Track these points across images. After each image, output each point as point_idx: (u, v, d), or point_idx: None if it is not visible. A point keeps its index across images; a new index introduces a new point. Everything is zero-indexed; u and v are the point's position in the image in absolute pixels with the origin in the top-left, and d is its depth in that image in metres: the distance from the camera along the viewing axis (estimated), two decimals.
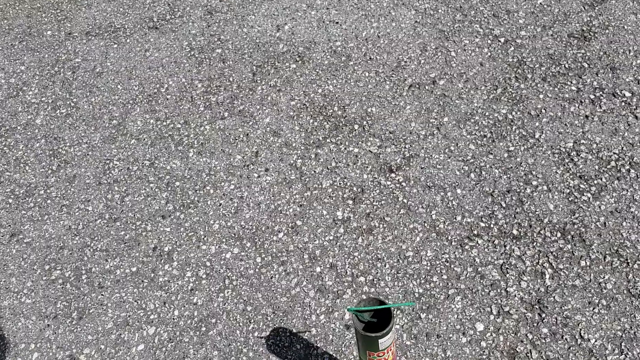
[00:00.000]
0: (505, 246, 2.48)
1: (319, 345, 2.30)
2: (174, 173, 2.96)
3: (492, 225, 2.55)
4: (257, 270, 2.56)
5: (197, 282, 2.56)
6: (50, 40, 3.79)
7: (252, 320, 2.40)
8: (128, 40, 3.70)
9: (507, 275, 2.39)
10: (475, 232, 2.54)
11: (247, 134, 3.06)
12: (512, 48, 3.22)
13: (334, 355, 2.27)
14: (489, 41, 3.27)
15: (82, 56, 3.65)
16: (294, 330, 2.36)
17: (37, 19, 3.97)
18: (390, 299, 2.38)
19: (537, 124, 2.88)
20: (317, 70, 3.31)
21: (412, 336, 2.27)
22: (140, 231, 2.77)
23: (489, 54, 3.21)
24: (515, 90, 3.03)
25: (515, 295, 2.33)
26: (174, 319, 2.46)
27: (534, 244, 2.47)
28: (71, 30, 3.84)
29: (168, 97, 3.32)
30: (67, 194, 2.96)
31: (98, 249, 2.73)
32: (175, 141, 3.09)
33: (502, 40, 3.26)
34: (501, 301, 2.32)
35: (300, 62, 3.37)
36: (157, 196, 2.88)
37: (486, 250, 2.48)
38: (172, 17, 3.81)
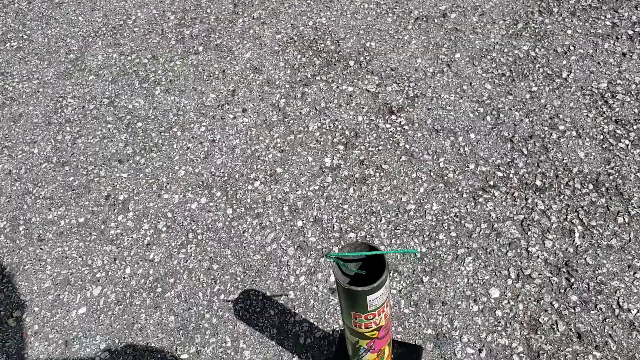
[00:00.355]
0: (526, 199, 2.05)
1: (297, 311, 1.88)
2: (136, 113, 2.52)
3: (511, 175, 2.12)
4: (227, 223, 2.13)
5: (155, 236, 2.13)
6: None
7: (219, 281, 1.98)
8: None
9: (529, 232, 1.96)
10: (491, 182, 2.11)
11: (224, 71, 2.62)
12: None
13: (314, 323, 1.84)
14: None
15: None
16: (268, 294, 1.93)
17: None
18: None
19: (564, 62, 2.44)
20: (309, 1, 2.86)
21: (412, 303, 1.84)
22: (92, 177, 2.33)
23: None
24: (539, 25, 2.58)
25: (538, 257, 1.91)
26: (124, 277, 2.03)
27: (561, 197, 2.04)
28: None
29: (135, 29, 2.87)
30: (10, 134, 2.52)
31: (41, 197, 2.30)
32: (140, 78, 2.65)
33: None
34: (521, 263, 1.89)
35: None
36: (114, 138, 2.44)
37: (504, 203, 2.04)
38: None
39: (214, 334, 1.86)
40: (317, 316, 1.86)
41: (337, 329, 1.83)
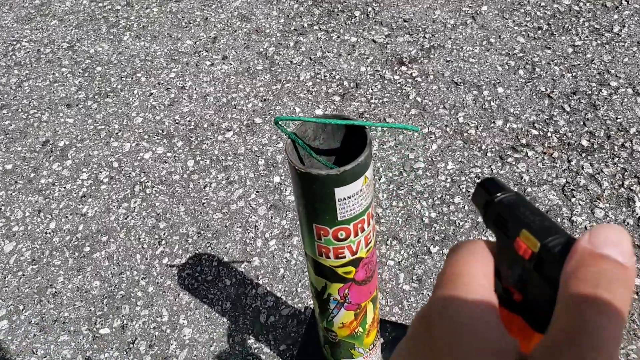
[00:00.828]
0: (569, 161, 1.58)
1: (261, 281, 1.41)
2: (97, 57, 2.11)
3: (549, 134, 1.65)
4: (185, 176, 1.68)
5: (93, 188, 1.68)
6: None
7: (164, 242, 1.52)
8: None
9: (573, 200, 1.48)
10: (524, 141, 1.64)
11: (206, 18, 2.22)
12: None
13: (282, 298, 1.37)
14: None
15: None
16: (226, 259, 1.46)
17: None
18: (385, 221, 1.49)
19: (615, 16, 2.00)
20: None
21: (414, 278, 1.36)
22: (32, 121, 1.91)
23: None
24: None
25: (585, 228, 1.42)
26: (47, 233, 1.58)
27: (616, 159, 1.57)
28: None
29: None
30: None
31: None
32: (109, 23, 2.26)
33: None
34: None
35: None
36: (67, 82, 2.03)
37: (540, 165, 1.58)
38: None
39: (147, 305, 1.39)
40: (286, 289, 1.38)
41: (311, 306, 1.34)
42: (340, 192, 0.76)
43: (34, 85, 2.04)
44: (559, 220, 1.45)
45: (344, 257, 0.86)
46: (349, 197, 0.77)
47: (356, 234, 0.83)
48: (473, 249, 0.30)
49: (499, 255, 0.31)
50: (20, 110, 1.96)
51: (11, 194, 1.70)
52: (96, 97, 1.96)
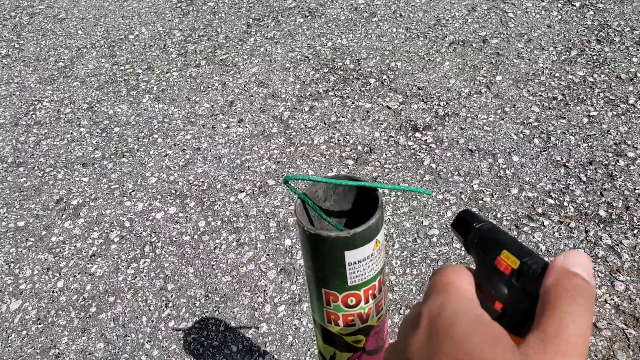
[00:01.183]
0: (587, 231, 1.54)
1: (268, 349, 1.36)
2: (116, 118, 2.15)
3: (566, 203, 1.63)
4: (196, 237, 1.66)
5: (103, 247, 1.67)
6: None
7: (171, 304, 1.49)
8: None
9: (592, 271, 1.44)
10: (540, 210, 1.62)
11: (225, 83, 2.26)
12: (591, 12, 2.41)
13: None
14: (560, 5, 2.48)
15: (48, 4, 2.98)
16: (233, 324, 1.43)
17: None
18: (399, 291, 1.45)
19: (630, 88, 2.01)
20: (330, 24, 2.54)
21: None
22: (47, 179, 1.92)
23: (560, 16, 2.41)
24: (597, 53, 2.18)
25: (605, 302, 1.38)
26: (54, 292, 1.56)
27: (636, 231, 1.53)
28: None
29: (136, 43, 2.58)
30: None
31: None
32: (129, 86, 2.31)
33: (577, 4, 2.47)
34: None
35: (309, 17, 2.62)
36: (84, 142, 2.06)
37: (557, 235, 1.54)
38: None
39: None
40: (294, 358, 1.34)
41: None
42: (350, 256, 0.74)
43: (51, 144, 2.07)
44: None
45: (354, 324, 0.83)
46: (360, 261, 0.75)
47: (367, 301, 0.80)
48: (456, 267, 0.36)
49: (479, 273, 0.37)
50: (36, 168, 1.98)
51: (21, 251, 1.69)
52: (112, 156, 1.98)
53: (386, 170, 1.80)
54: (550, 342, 0.28)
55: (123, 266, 1.60)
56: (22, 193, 1.88)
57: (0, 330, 1.48)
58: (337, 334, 0.85)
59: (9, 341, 1.45)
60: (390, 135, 1.92)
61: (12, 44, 2.67)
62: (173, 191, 1.82)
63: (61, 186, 1.89)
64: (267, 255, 1.58)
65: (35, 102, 2.28)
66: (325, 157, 1.87)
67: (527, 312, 0.33)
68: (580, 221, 1.58)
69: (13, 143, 2.09)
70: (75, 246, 1.68)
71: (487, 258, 0.38)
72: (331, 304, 0.81)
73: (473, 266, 0.38)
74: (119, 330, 1.44)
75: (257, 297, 1.48)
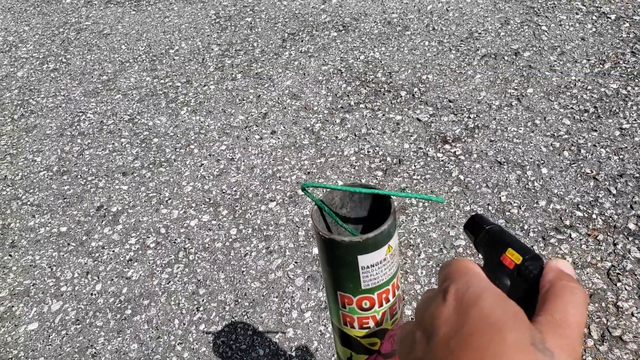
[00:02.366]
0: (615, 244, 1.54)
1: (294, 354, 1.40)
2: (155, 129, 2.24)
3: (594, 216, 1.62)
4: (228, 244, 1.72)
5: (140, 252, 1.74)
6: (66, 7, 3.31)
7: (202, 308, 1.54)
8: (149, 8, 3.15)
9: (619, 284, 1.44)
10: (568, 222, 1.62)
11: (259, 96, 2.33)
12: (627, 24, 2.39)
13: None
14: (594, 17, 2.47)
15: (94, 20, 3.12)
16: (261, 329, 1.47)
17: None
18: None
19: None
20: (363, 38, 2.59)
21: None
22: (89, 187, 2.02)
23: (594, 29, 2.40)
24: (632, 65, 2.17)
25: (632, 315, 1.37)
26: (92, 294, 1.63)
27: None
28: None
29: (176, 57, 2.67)
30: (19, 143, 2.28)
31: (29, 203, 1.99)
32: (168, 98, 2.40)
33: (613, 17, 2.45)
34: (607, 321, 1.36)
35: (343, 31, 2.67)
36: (125, 151, 2.15)
37: (584, 247, 1.54)
38: None
39: None
40: None
41: None
42: (363, 260, 0.77)
43: (94, 154, 2.16)
44: (602, 305, 1.40)
45: (369, 327, 0.86)
46: (372, 266, 0.79)
47: (380, 304, 0.84)
48: (466, 260, 0.42)
49: (485, 267, 0.43)
50: (79, 176, 2.07)
51: (63, 255, 1.78)
52: (151, 166, 2.06)
53: (414, 181, 1.83)
54: (558, 324, 0.34)
55: (158, 271, 1.67)
56: (65, 200, 1.98)
57: (42, 329, 1.56)
58: (353, 337, 0.88)
59: (50, 340, 1.53)
60: (420, 147, 1.95)
61: (60, 59, 2.80)
62: (207, 200, 1.88)
63: (102, 194, 1.98)
64: (296, 262, 1.63)
65: (80, 114, 2.39)
66: (354, 168, 1.91)
67: (526, 300, 0.39)
68: (608, 234, 1.57)
69: (58, 152, 2.19)
70: (113, 251, 1.76)
71: (494, 255, 0.44)
72: (346, 307, 0.85)
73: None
74: (152, 332, 1.51)
75: (285, 303, 1.53)
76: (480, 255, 0.47)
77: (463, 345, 0.34)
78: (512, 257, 0.42)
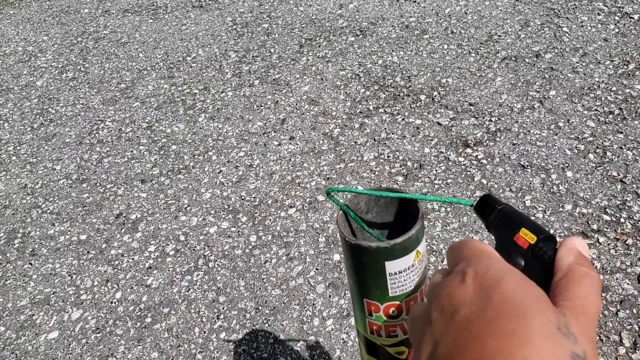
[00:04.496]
0: None
1: None
2: (173, 137, 2.23)
3: (622, 220, 1.58)
4: (247, 251, 1.70)
5: (159, 260, 1.73)
6: (84, 17, 3.33)
7: (222, 316, 1.52)
8: (166, 17, 3.16)
9: None
10: (595, 226, 1.58)
11: (277, 102, 2.32)
12: None
13: None
14: (617, 18, 2.43)
15: (112, 29, 3.13)
16: (282, 337, 1.45)
17: (80, 0, 3.57)
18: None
19: None
20: (381, 42, 2.57)
21: None
22: (108, 195, 2.01)
23: (617, 30, 2.35)
24: None
25: None
26: (112, 302, 1.62)
27: None
28: (110, 8, 3.38)
29: (193, 65, 2.67)
30: (38, 151, 2.29)
31: (48, 211, 1.99)
32: (186, 105, 2.40)
33: (636, 17, 2.41)
34: (639, 327, 1.32)
35: (360, 35, 2.65)
36: (143, 159, 2.14)
37: (613, 252, 1.50)
38: None
39: None
40: None
41: None
42: (390, 266, 0.75)
43: (113, 162, 2.16)
44: (634, 311, 1.36)
45: (396, 335, 0.83)
46: (400, 272, 0.76)
47: (408, 312, 0.81)
48: (477, 241, 0.41)
49: (498, 247, 0.43)
50: (98, 184, 2.07)
51: (83, 263, 1.77)
52: (169, 173, 2.05)
53: (436, 186, 1.80)
54: (579, 311, 0.34)
55: (177, 278, 1.66)
56: (84, 208, 1.98)
57: (62, 338, 1.56)
58: (380, 345, 0.86)
59: (70, 349, 1.52)
60: (441, 151, 1.92)
61: (79, 67, 2.81)
62: (226, 206, 1.87)
63: (121, 201, 1.97)
64: (316, 269, 1.61)
65: (99, 122, 2.39)
66: (374, 173, 1.88)
67: (541, 279, 0.39)
68: (638, 238, 1.53)
69: (77, 161, 2.20)
70: (133, 259, 1.75)
71: (507, 234, 0.43)
72: (373, 315, 0.82)
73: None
74: (172, 340, 1.49)
75: (306, 310, 1.50)
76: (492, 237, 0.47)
77: (488, 330, 0.33)
78: (526, 237, 0.42)
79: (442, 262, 1.57)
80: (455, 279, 0.38)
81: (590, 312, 0.35)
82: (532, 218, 1.61)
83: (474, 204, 0.52)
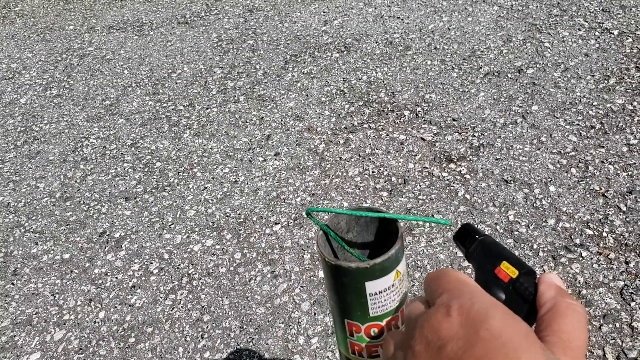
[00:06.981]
0: (627, 262, 1.51)
1: None
2: (157, 153, 2.22)
3: (605, 234, 1.59)
4: (232, 268, 1.70)
5: (143, 278, 1.72)
6: (69, 33, 3.33)
7: (207, 335, 1.51)
8: (152, 33, 3.16)
9: (633, 304, 1.40)
10: (578, 241, 1.59)
11: (262, 118, 2.32)
12: (630, 40, 2.38)
13: None
14: (597, 33, 2.46)
15: (97, 46, 3.13)
16: (267, 356, 1.44)
17: (65, 17, 3.56)
18: None
19: None
20: (365, 59, 2.58)
21: None
22: (91, 213, 2.00)
23: (597, 45, 2.39)
24: (636, 81, 2.15)
25: None
26: (95, 322, 1.61)
27: None
28: (95, 25, 3.38)
29: (178, 81, 2.67)
30: (21, 170, 2.27)
31: (31, 230, 1.97)
32: (171, 122, 2.39)
33: (616, 32, 2.44)
34: (622, 342, 1.33)
35: (345, 52, 2.67)
36: (127, 176, 2.13)
37: (595, 266, 1.51)
38: (208, 14, 3.27)
39: None
40: None
41: None
42: (371, 287, 0.75)
43: (97, 179, 2.15)
44: (617, 325, 1.37)
45: (378, 355, 0.83)
46: (381, 292, 0.76)
47: (390, 331, 0.81)
48: (455, 271, 0.41)
49: (479, 279, 0.42)
50: (82, 202, 2.06)
51: (66, 282, 1.75)
52: (153, 190, 2.04)
53: (420, 201, 1.80)
54: (566, 345, 0.35)
55: (161, 297, 1.65)
56: (68, 226, 1.96)
57: (44, 359, 1.54)
58: None
59: None
60: (425, 167, 1.93)
61: (63, 84, 2.80)
62: (210, 224, 1.86)
63: (105, 219, 1.96)
64: (301, 287, 1.60)
65: (83, 139, 2.38)
66: (359, 189, 1.89)
67: (523, 314, 0.39)
68: (620, 252, 1.54)
69: (61, 178, 2.18)
70: (116, 278, 1.74)
71: (488, 267, 0.43)
72: (354, 335, 0.82)
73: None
74: None
75: (291, 328, 1.49)
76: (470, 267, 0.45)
77: None
78: (507, 270, 0.41)
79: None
80: (439, 312, 0.37)
81: (577, 345, 0.35)
82: (516, 233, 1.63)
83: (454, 234, 0.52)
